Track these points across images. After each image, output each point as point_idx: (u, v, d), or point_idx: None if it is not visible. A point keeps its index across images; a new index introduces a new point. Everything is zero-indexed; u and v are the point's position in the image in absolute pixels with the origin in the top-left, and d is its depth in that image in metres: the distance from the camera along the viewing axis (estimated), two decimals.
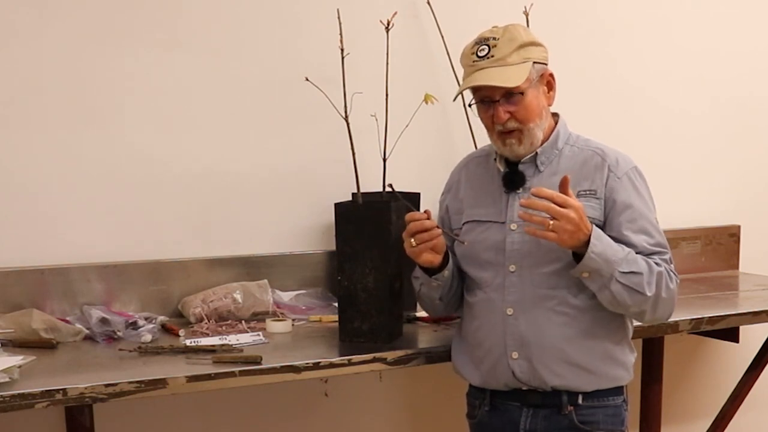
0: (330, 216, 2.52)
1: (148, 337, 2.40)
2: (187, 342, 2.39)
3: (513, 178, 2.23)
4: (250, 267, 2.80)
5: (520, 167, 2.23)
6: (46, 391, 1.99)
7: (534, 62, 2.16)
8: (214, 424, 2.82)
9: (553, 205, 2.02)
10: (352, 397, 3.00)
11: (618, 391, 2.26)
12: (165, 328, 2.54)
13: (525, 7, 2.98)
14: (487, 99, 2.17)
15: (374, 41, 2.61)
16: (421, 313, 2.61)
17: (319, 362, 2.28)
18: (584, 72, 3.26)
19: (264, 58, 2.82)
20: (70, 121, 2.60)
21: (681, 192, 3.51)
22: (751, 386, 3.33)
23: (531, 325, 2.18)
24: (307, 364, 2.26)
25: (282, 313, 2.72)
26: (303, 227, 2.89)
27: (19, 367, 2.11)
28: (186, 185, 2.74)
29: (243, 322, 2.63)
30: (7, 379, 2.02)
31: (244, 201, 2.82)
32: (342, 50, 2.54)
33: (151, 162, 2.69)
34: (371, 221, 2.41)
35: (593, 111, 3.23)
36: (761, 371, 3.32)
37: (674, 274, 2.19)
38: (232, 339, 2.43)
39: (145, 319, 2.53)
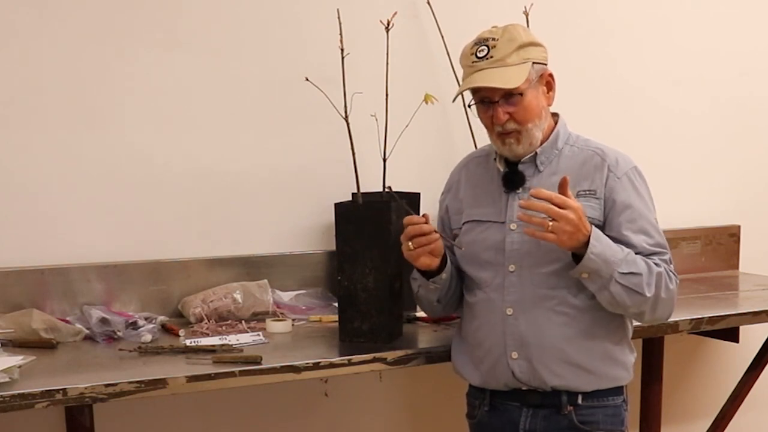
0: (330, 216, 2.52)
1: (148, 337, 2.40)
2: (187, 342, 2.39)
3: (513, 178, 2.23)
4: (250, 267, 2.80)
5: (520, 167, 2.23)
6: (46, 391, 1.99)
7: (533, 63, 2.16)
8: (214, 424, 2.82)
9: (552, 206, 2.02)
10: (352, 397, 3.00)
11: (618, 391, 2.26)
12: (165, 328, 2.54)
13: (525, 7, 2.98)
14: (487, 99, 2.17)
15: (374, 41, 2.61)
16: (421, 313, 2.61)
17: (319, 362, 2.28)
18: (584, 72, 3.26)
19: (264, 58, 2.82)
20: (70, 121, 2.60)
21: (681, 192, 3.51)
22: (751, 386, 3.33)
23: (531, 325, 2.18)
24: (307, 364, 2.26)
25: (282, 313, 2.72)
26: (303, 227, 2.89)
27: (19, 367, 2.11)
28: (186, 185, 2.74)
29: (243, 322, 2.63)
30: (7, 379, 2.02)
31: (244, 201, 2.82)
32: (342, 50, 2.54)
33: (151, 162, 2.69)
34: (371, 221, 2.41)
35: (593, 111, 3.23)
36: (761, 371, 3.32)
37: (674, 274, 2.19)
38: (232, 339, 2.43)
39: (145, 319, 2.53)
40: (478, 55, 2.15)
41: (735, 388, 3.36)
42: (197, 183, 2.75)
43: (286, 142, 2.86)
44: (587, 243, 2.06)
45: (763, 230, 3.71)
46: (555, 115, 2.29)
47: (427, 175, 2.84)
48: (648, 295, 2.11)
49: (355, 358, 2.32)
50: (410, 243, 2.20)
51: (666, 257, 2.19)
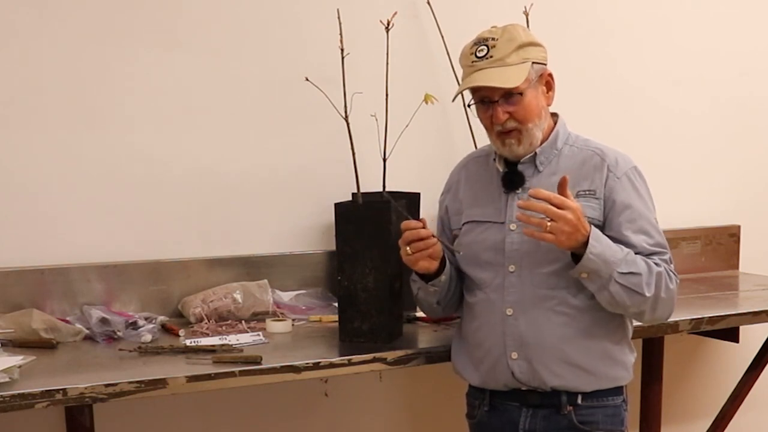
0: (330, 216, 2.52)
1: (148, 337, 2.40)
2: (187, 342, 2.39)
3: (512, 179, 2.23)
4: (250, 267, 2.80)
5: (520, 167, 2.23)
6: (46, 391, 2.00)
7: (533, 62, 2.16)
8: (214, 424, 2.82)
9: (550, 207, 2.02)
10: (352, 397, 3.00)
11: (617, 391, 2.26)
12: (165, 328, 2.54)
13: (525, 7, 2.98)
14: (486, 99, 2.17)
15: (374, 41, 2.61)
16: (421, 313, 2.61)
17: (319, 362, 2.28)
18: (584, 72, 3.26)
19: (264, 58, 2.82)
20: (70, 121, 2.60)
21: (681, 192, 3.51)
22: (751, 386, 3.33)
23: (530, 325, 2.18)
24: (307, 364, 2.26)
25: (282, 313, 2.72)
26: (303, 227, 2.89)
27: (19, 367, 2.11)
28: (186, 185, 2.74)
29: (243, 322, 2.63)
30: (7, 379, 2.02)
31: (244, 201, 2.82)
32: (342, 50, 2.54)
33: (151, 162, 2.69)
34: (371, 221, 2.41)
35: (593, 111, 3.23)
36: (761, 371, 3.32)
37: (674, 274, 2.19)
38: (232, 339, 2.43)
39: (145, 319, 2.53)
40: (478, 54, 2.15)
41: (735, 388, 3.36)
42: (197, 183, 2.75)
43: (286, 142, 2.86)
44: (586, 243, 2.06)
45: (763, 230, 3.71)
46: (554, 115, 2.29)
47: (427, 175, 2.84)
48: (648, 294, 2.11)
49: (355, 358, 2.32)
50: (408, 248, 2.20)
51: (666, 257, 2.19)
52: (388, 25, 2.56)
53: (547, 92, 2.22)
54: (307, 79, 2.56)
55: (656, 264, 2.14)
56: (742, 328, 3.20)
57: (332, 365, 2.30)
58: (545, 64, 2.21)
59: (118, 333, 2.44)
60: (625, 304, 2.12)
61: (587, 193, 2.18)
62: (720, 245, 3.62)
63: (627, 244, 2.14)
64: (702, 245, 3.57)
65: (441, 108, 2.59)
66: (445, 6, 2.97)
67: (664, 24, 3.47)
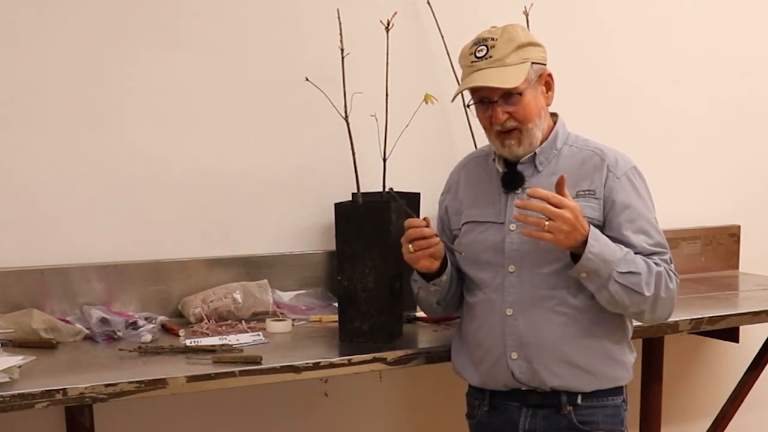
0: (330, 216, 2.52)
1: (148, 337, 2.40)
2: (187, 342, 2.39)
3: (512, 179, 2.23)
4: (250, 267, 2.80)
5: (519, 167, 2.23)
6: (46, 391, 2.00)
7: (532, 63, 2.15)
8: (214, 424, 2.82)
9: (548, 206, 2.02)
10: (352, 397, 3.00)
11: (617, 391, 2.26)
12: (165, 328, 2.54)
13: (525, 7, 2.98)
14: (486, 99, 2.17)
15: (374, 41, 2.61)
16: (421, 313, 2.61)
17: (319, 362, 2.28)
18: (584, 72, 3.27)
19: (264, 58, 2.82)
20: (70, 121, 2.60)
21: (681, 192, 3.51)
22: (751, 386, 3.33)
23: (530, 325, 2.18)
24: (307, 364, 2.26)
25: (282, 313, 2.72)
26: (303, 227, 2.89)
27: (19, 367, 2.11)
28: (186, 185, 2.74)
29: (243, 322, 2.63)
30: (7, 379, 2.02)
31: (244, 201, 2.82)
32: (342, 50, 2.54)
33: (151, 162, 2.69)
34: (371, 221, 2.41)
35: (593, 111, 3.23)
36: (761, 371, 3.32)
37: (674, 274, 2.19)
38: (232, 339, 2.43)
39: (145, 319, 2.53)
40: (477, 54, 2.15)
41: (735, 388, 3.36)
42: (197, 183, 2.75)
43: (286, 142, 2.86)
44: (585, 242, 2.06)
45: (763, 230, 3.71)
46: (554, 115, 2.29)
47: (427, 175, 2.84)
48: (647, 294, 2.11)
49: (355, 358, 2.32)
50: (411, 246, 2.20)
51: (666, 257, 2.19)
52: (388, 25, 2.56)
53: (547, 92, 2.22)
54: (307, 79, 2.56)
55: (656, 264, 2.14)
56: (742, 328, 3.20)
57: (332, 365, 2.30)
58: (545, 64, 2.21)
59: (118, 333, 2.44)
60: (624, 303, 2.12)
61: (587, 193, 2.18)
62: (720, 245, 3.62)
63: (627, 244, 2.14)
64: (702, 245, 3.57)
65: (441, 108, 2.59)
66: (445, 6, 2.97)
67: (664, 24, 3.47)
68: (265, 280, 2.77)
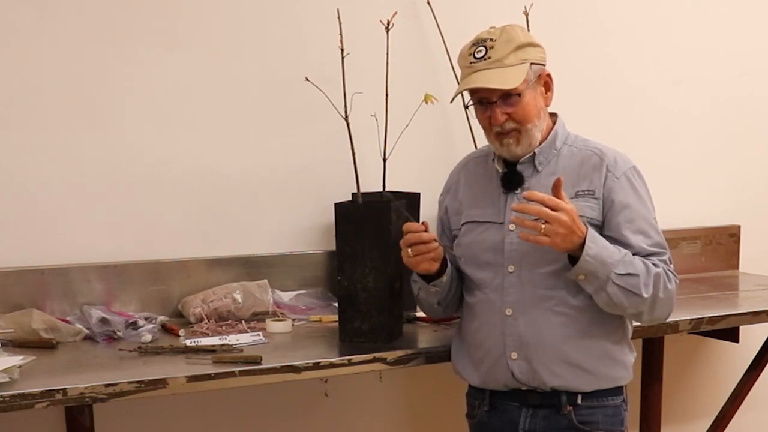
0: (330, 216, 2.52)
1: (148, 337, 2.40)
2: (187, 342, 2.39)
3: (511, 179, 2.22)
4: (250, 267, 2.80)
5: (519, 168, 2.23)
6: (46, 391, 2.00)
7: (531, 63, 2.15)
8: (214, 424, 2.82)
9: (544, 209, 2.02)
10: (352, 397, 3.00)
11: (617, 391, 2.26)
12: (165, 328, 2.54)
13: (525, 8, 2.98)
14: (485, 100, 2.17)
15: (374, 41, 2.61)
16: (421, 313, 2.61)
17: (319, 362, 2.28)
18: (584, 72, 3.27)
19: (264, 58, 2.82)
20: (70, 121, 2.60)
21: (681, 192, 3.51)
22: (751, 386, 3.33)
23: (530, 325, 2.18)
24: (307, 364, 2.26)
25: (282, 313, 2.72)
26: (303, 227, 2.89)
27: (19, 367, 2.11)
28: (186, 185, 2.74)
29: (243, 322, 2.63)
30: (7, 379, 2.02)
31: (244, 201, 2.82)
32: (342, 50, 2.54)
33: (151, 162, 2.69)
34: (371, 221, 2.41)
35: (593, 111, 3.23)
36: (761, 371, 3.32)
37: (673, 274, 2.18)
38: (232, 339, 2.43)
39: (145, 319, 2.53)
40: (476, 55, 2.15)
41: (735, 388, 3.36)
42: (197, 183, 2.75)
43: (286, 142, 2.86)
44: (583, 245, 2.06)
45: (763, 230, 3.71)
46: (553, 115, 2.28)
47: (427, 175, 2.84)
48: (645, 296, 2.11)
49: (355, 358, 2.32)
50: (410, 250, 2.20)
51: (665, 257, 2.19)
52: (388, 25, 2.56)
53: (546, 93, 2.22)
54: (307, 79, 2.56)
55: (654, 265, 2.14)
56: (742, 328, 3.20)
57: (332, 365, 2.30)
58: (544, 65, 2.21)
59: (118, 333, 2.44)
60: (623, 305, 2.12)
61: (586, 193, 2.18)
62: (720, 245, 3.62)
63: (626, 245, 2.14)
64: (702, 245, 3.57)
65: (441, 108, 2.59)
66: (445, 6, 2.97)
67: (664, 24, 3.47)
68: (265, 280, 2.77)
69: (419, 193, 2.77)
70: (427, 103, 2.48)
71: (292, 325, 2.62)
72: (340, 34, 2.54)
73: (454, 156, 2.61)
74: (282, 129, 2.86)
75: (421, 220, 2.65)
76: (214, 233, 2.79)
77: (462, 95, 2.23)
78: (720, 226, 3.62)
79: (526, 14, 2.96)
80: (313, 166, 2.89)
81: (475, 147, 2.84)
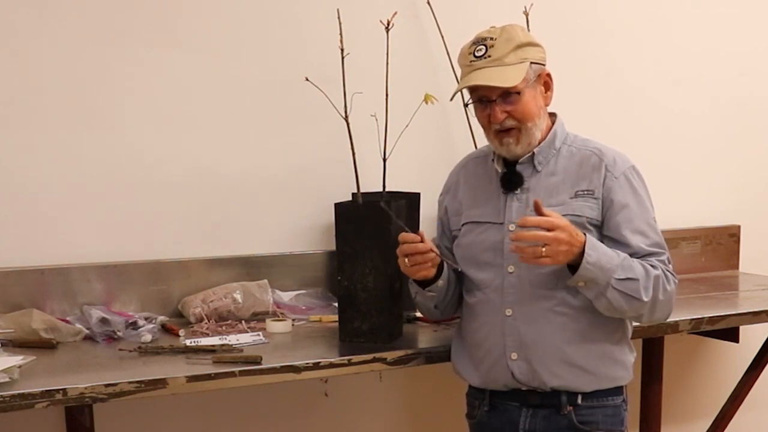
0: (330, 216, 2.52)
1: (148, 337, 2.40)
2: (187, 342, 2.39)
3: (511, 179, 2.22)
4: (250, 267, 2.80)
5: (518, 168, 2.23)
6: (46, 391, 2.00)
7: (531, 62, 2.15)
8: (214, 424, 2.82)
9: (541, 233, 2.02)
10: (352, 397, 3.00)
11: (617, 391, 2.26)
12: (165, 328, 2.54)
13: (525, 7, 2.98)
14: (485, 99, 2.17)
15: (374, 41, 2.61)
16: None
17: (319, 362, 2.28)
18: (584, 72, 3.27)
19: (264, 58, 2.82)
20: (70, 121, 2.60)
21: (681, 192, 3.51)
22: (751, 386, 3.33)
23: (530, 325, 2.18)
24: (307, 364, 2.26)
25: (282, 313, 2.72)
26: (303, 227, 2.89)
27: (19, 367, 2.11)
28: (186, 185, 2.74)
29: (243, 322, 2.63)
30: (7, 379, 2.02)
31: (244, 201, 2.82)
32: (342, 50, 2.54)
33: (151, 162, 2.69)
34: (371, 221, 2.41)
35: (593, 111, 3.23)
36: (761, 371, 3.32)
37: (672, 274, 2.18)
38: (232, 339, 2.43)
39: (145, 319, 2.53)
40: (476, 54, 2.15)
41: (735, 388, 3.36)
42: (197, 183, 2.75)
43: (286, 142, 2.86)
44: (582, 252, 2.06)
45: (763, 230, 3.71)
46: (552, 115, 2.28)
47: (427, 175, 2.84)
48: (645, 299, 2.11)
49: (355, 358, 2.32)
50: (406, 260, 2.20)
51: (664, 257, 2.19)
52: (388, 25, 2.56)
53: (546, 92, 2.22)
54: (307, 79, 2.56)
55: (653, 266, 2.14)
56: (742, 328, 3.20)
57: (332, 365, 2.30)
58: (544, 65, 2.21)
59: (118, 333, 2.44)
60: (623, 309, 2.12)
61: (585, 193, 2.18)
62: (720, 245, 3.62)
63: (625, 244, 2.14)
64: (702, 245, 3.57)
65: (441, 108, 2.59)
66: (445, 6, 2.97)
67: (664, 24, 3.47)
68: (265, 280, 2.77)
69: (419, 193, 2.76)
70: (427, 103, 2.48)
71: (292, 325, 2.62)
72: (340, 34, 2.54)
73: (454, 156, 2.61)
74: (282, 129, 2.86)
75: (421, 221, 2.66)
76: (214, 233, 2.79)
77: (462, 94, 2.23)
78: (720, 226, 3.62)
79: (526, 14, 2.96)
80: (313, 166, 2.89)
81: (475, 147, 2.84)
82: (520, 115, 2.16)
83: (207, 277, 2.74)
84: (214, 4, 2.75)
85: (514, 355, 2.20)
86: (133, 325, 2.47)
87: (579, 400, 2.21)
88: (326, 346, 2.44)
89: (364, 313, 2.43)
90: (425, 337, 2.58)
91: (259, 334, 2.49)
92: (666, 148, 3.49)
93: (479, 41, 2.17)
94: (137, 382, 2.08)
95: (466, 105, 2.25)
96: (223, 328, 2.58)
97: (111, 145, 2.64)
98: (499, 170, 2.25)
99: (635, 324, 2.32)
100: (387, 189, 2.53)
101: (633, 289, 2.10)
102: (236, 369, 2.18)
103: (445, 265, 2.27)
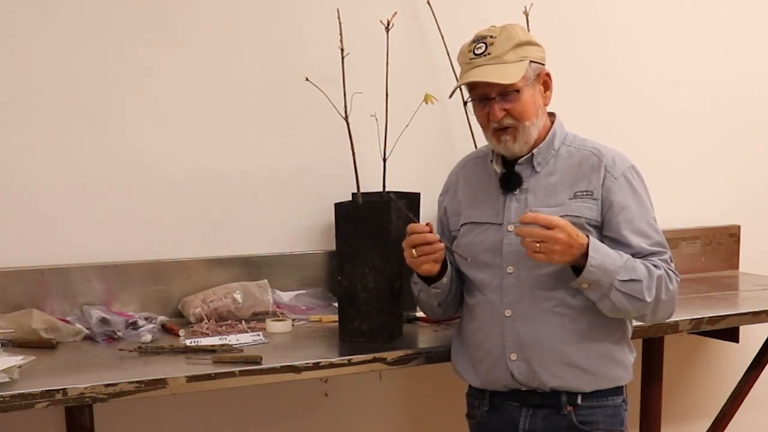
0: (330, 216, 2.52)
1: (148, 337, 2.40)
2: (187, 342, 2.39)
3: (510, 179, 2.22)
4: (250, 267, 2.80)
5: (517, 168, 2.22)
6: (46, 391, 2.00)
7: (531, 61, 2.15)
8: (214, 424, 2.82)
9: (537, 230, 2.03)
10: (352, 397, 3.00)
11: (617, 391, 2.26)
12: (165, 328, 2.54)
13: (525, 7, 2.98)
14: (484, 96, 2.17)
15: (374, 41, 2.61)
16: (421, 314, 2.61)
17: (319, 362, 2.28)
18: (584, 72, 3.27)
19: (264, 58, 2.82)
20: (70, 121, 2.60)
21: (681, 192, 3.51)
22: (751, 386, 3.33)
23: (529, 326, 2.18)
24: (307, 364, 2.26)
25: (282, 313, 2.72)
26: (303, 227, 2.89)
27: (19, 367, 2.11)
28: (186, 185, 2.74)
29: (243, 322, 2.63)
30: (7, 379, 2.02)
31: (244, 201, 2.82)
32: (342, 50, 2.54)
33: (151, 162, 2.69)
34: (371, 221, 2.41)
35: (593, 111, 3.23)
36: (761, 371, 3.32)
37: (674, 273, 2.18)
38: (232, 339, 2.43)
39: (145, 319, 2.53)
40: (476, 52, 2.15)
41: (735, 388, 3.36)
42: (197, 183, 2.75)
43: (286, 142, 2.86)
44: (585, 254, 2.06)
45: (763, 230, 3.71)
46: (551, 115, 2.28)
47: (427, 175, 2.84)
48: (648, 300, 2.11)
49: (355, 358, 2.32)
50: (414, 250, 2.19)
51: (665, 257, 2.19)
52: (388, 25, 2.56)
53: (545, 92, 2.22)
54: (307, 79, 2.56)
55: (655, 266, 2.14)
56: (742, 328, 3.20)
57: (332, 365, 2.30)
58: (543, 64, 2.21)
59: (118, 333, 2.44)
60: (626, 310, 2.13)
61: (584, 193, 2.18)
62: (720, 245, 3.62)
63: (626, 245, 2.14)
64: (702, 245, 3.57)
65: (441, 108, 2.59)
66: (445, 6, 2.97)
67: (664, 24, 3.47)
68: (265, 280, 2.77)
69: (419, 193, 2.77)
70: (427, 103, 2.48)
71: (292, 325, 2.62)
72: (340, 34, 2.54)
73: (454, 156, 2.61)
74: (282, 129, 2.86)
75: (420, 221, 2.66)
76: (214, 233, 2.79)
77: (461, 92, 2.22)
78: (720, 226, 3.62)
79: (526, 14, 2.96)
80: (313, 166, 2.89)
81: (475, 147, 2.84)
82: (519, 113, 2.16)
83: (207, 277, 2.74)
84: (214, 4, 2.75)
85: (513, 356, 2.20)
86: (133, 325, 2.47)
87: (579, 400, 2.21)
88: (326, 346, 2.44)
89: (364, 313, 2.43)
90: (425, 337, 2.58)
91: (259, 334, 2.49)
92: (666, 148, 3.49)
93: (479, 39, 2.17)
94: (137, 382, 2.08)
95: (465, 103, 2.25)
96: (223, 328, 2.58)
97: (111, 145, 2.64)
98: (498, 171, 2.25)
99: (635, 324, 2.32)
100: (387, 189, 2.53)
101: (636, 290, 2.10)
102: (236, 369, 2.18)
103: (449, 263, 2.27)
